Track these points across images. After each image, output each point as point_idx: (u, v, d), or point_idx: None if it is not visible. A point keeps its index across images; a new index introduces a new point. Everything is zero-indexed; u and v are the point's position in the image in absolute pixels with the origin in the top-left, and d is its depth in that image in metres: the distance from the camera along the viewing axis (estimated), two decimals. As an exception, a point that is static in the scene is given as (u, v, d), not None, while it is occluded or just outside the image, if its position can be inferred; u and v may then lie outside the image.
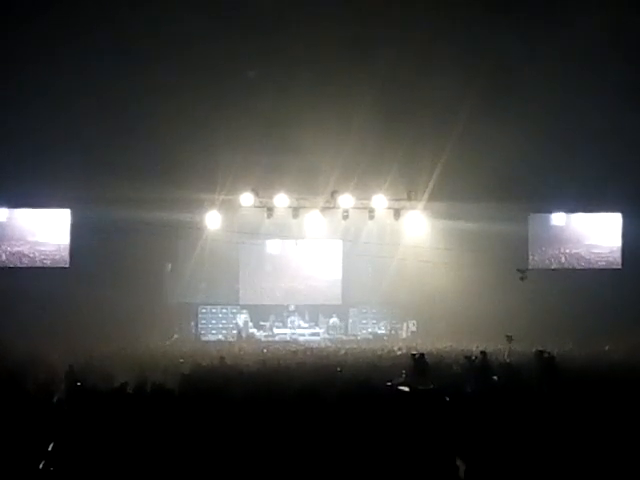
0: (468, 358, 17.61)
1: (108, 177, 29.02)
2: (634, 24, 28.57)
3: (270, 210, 32.61)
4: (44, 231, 33.16)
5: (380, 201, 32.65)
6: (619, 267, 34.16)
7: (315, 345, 29.56)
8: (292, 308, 34.24)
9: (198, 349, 26.33)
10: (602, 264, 34.49)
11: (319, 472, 8.66)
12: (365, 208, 32.82)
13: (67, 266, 32.74)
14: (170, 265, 33.18)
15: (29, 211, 33.13)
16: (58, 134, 29.45)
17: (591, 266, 34.49)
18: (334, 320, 34.02)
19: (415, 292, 32.67)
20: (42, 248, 33.08)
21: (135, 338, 27.38)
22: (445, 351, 24.00)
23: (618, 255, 34.27)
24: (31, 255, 33.08)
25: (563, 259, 34.73)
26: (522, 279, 29.15)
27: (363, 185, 31.91)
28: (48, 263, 32.95)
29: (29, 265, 32.87)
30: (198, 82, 29.45)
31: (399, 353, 23.56)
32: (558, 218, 34.83)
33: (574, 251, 34.72)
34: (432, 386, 14.79)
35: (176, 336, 32.38)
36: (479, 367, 16.96)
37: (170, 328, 32.46)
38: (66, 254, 32.83)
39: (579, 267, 34.49)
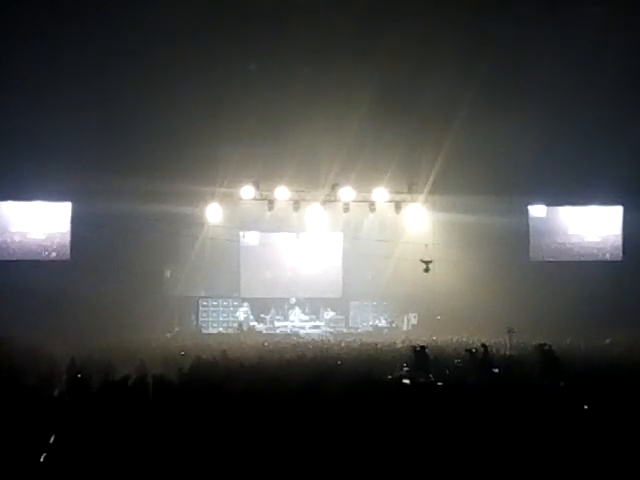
0: (469, 351, 17.61)
1: (109, 170, 29.00)
2: (634, 16, 28.55)
3: (271, 203, 32.62)
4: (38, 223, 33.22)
5: (381, 194, 32.65)
6: (620, 259, 34.17)
7: (316, 338, 29.58)
8: (293, 301, 34.27)
9: (199, 342, 26.32)
10: (603, 257, 34.50)
11: (320, 465, 8.66)
12: (366, 201, 32.82)
13: (68, 259, 32.77)
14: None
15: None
16: (59, 128, 29.41)
17: (592, 258, 34.50)
18: (331, 314, 34.06)
19: (416, 285, 32.63)
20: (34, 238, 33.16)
21: (136, 331, 27.37)
22: (446, 344, 24.00)
23: (619, 247, 34.28)
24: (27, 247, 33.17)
25: (564, 251, 34.73)
26: (426, 270, 29.29)
27: (364, 178, 31.90)
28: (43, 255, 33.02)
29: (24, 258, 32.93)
30: (198, 75, 29.44)
31: (400, 346, 23.54)
32: (560, 211, 34.84)
33: (574, 243, 34.72)
34: (433, 379, 14.80)
35: (177, 329, 32.43)
36: (480, 360, 16.96)
37: (171, 321, 32.50)
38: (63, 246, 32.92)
39: (579, 259, 34.50)
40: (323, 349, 23.42)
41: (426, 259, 29.47)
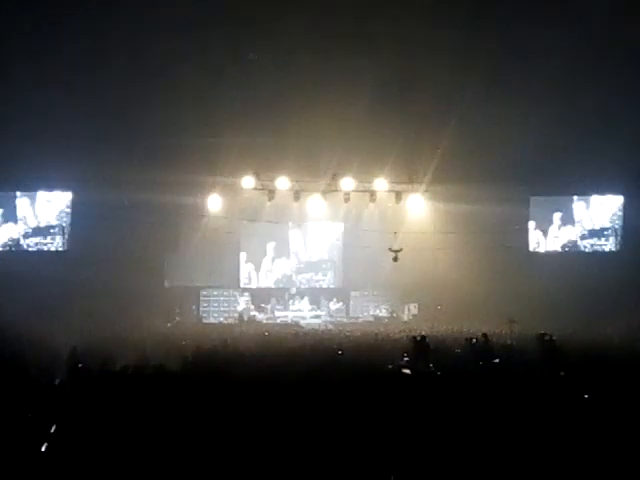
0: (469, 341, 17.62)
1: (109, 161, 29.00)
2: (636, 7, 28.45)
3: (271, 193, 32.57)
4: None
5: (381, 184, 32.61)
6: (620, 250, 34.11)
7: (316, 328, 29.62)
8: (293, 291, 34.31)
9: (199, 332, 26.36)
10: (603, 247, 34.44)
11: (319, 453, 8.68)
12: (366, 191, 32.79)
13: (69, 249, 32.81)
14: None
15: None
16: (59, 118, 29.37)
17: (592, 249, 34.46)
18: (332, 304, 34.14)
19: (416, 275, 32.61)
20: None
21: (137, 320, 27.41)
22: (447, 334, 24.01)
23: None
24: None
25: (564, 242, 34.68)
26: (395, 259, 29.40)
27: (364, 168, 31.85)
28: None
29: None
30: (199, 64, 29.38)
31: (400, 336, 23.55)
32: (559, 201, 34.74)
33: (575, 233, 34.67)
34: (433, 368, 14.82)
35: (177, 319, 32.45)
36: (480, 350, 16.97)
37: (171, 311, 32.50)
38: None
39: (580, 250, 34.46)
40: (324, 339, 23.45)
41: (395, 248, 29.63)
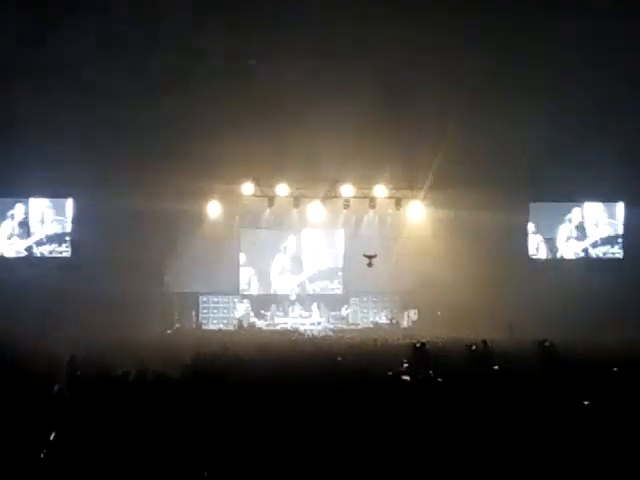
0: (469, 347, 17.57)
1: (110, 167, 29.04)
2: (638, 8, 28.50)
3: (271, 199, 32.64)
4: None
5: (381, 190, 32.66)
6: (620, 257, 34.10)
7: (316, 334, 29.59)
8: (293, 297, 34.29)
9: (199, 338, 26.32)
10: (603, 254, 34.41)
11: (318, 460, 8.66)
12: (366, 197, 32.84)
13: (69, 256, 32.80)
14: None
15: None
16: (59, 124, 29.40)
17: (592, 255, 34.44)
18: (331, 311, 34.14)
19: (416, 281, 32.65)
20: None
21: (136, 327, 27.36)
22: (446, 340, 23.97)
23: (619, 245, 34.19)
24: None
25: (564, 248, 34.66)
26: (369, 265, 29.49)
27: (364, 174, 31.91)
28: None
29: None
30: (198, 71, 29.43)
31: (400, 342, 23.52)
32: (560, 207, 34.73)
33: (575, 240, 34.66)
34: (433, 375, 14.78)
35: (177, 325, 32.43)
36: (480, 356, 16.92)
37: (171, 317, 32.49)
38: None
39: (580, 256, 34.44)
40: (323, 345, 23.40)
41: (369, 253, 29.70)
